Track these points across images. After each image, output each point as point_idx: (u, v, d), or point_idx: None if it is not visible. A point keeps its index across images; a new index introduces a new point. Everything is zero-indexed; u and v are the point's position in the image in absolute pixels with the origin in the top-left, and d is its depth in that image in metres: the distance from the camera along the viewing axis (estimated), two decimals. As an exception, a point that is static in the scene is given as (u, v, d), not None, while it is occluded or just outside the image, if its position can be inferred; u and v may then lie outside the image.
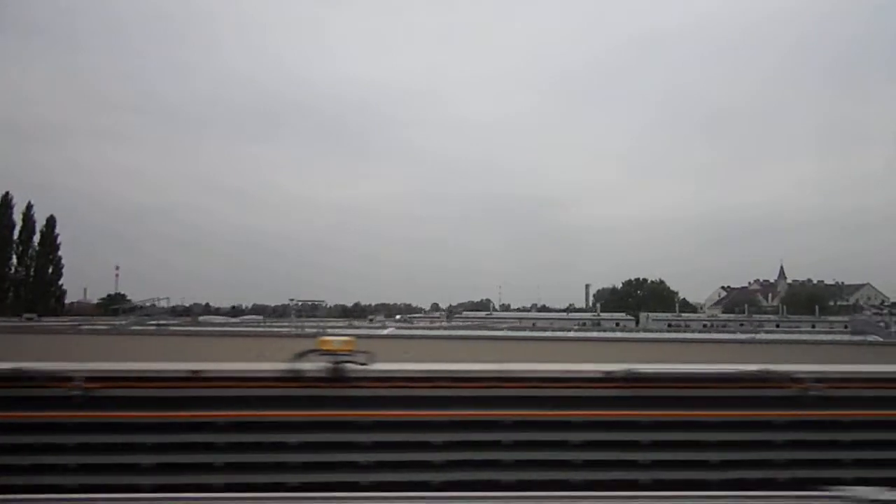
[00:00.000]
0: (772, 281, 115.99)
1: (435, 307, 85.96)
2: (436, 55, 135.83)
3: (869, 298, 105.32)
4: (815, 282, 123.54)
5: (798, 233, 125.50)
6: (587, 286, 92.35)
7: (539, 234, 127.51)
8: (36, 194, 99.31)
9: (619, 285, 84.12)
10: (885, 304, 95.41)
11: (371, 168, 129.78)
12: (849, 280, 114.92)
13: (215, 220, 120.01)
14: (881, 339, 25.16)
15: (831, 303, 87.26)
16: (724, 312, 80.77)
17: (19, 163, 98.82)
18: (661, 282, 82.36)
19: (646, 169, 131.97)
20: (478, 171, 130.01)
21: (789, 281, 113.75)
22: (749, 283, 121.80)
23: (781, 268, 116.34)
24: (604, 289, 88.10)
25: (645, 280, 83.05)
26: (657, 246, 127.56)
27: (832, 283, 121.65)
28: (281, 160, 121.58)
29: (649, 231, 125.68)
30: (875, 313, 49.02)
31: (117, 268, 79.50)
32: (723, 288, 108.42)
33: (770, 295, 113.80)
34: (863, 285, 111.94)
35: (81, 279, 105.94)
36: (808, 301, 75.52)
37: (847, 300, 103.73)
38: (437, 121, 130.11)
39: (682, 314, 68.13)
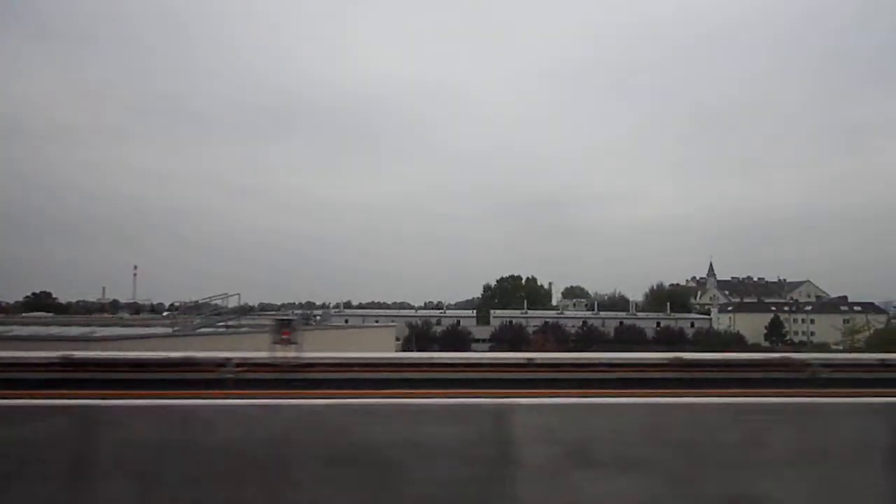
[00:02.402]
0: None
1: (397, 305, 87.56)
2: (454, 53, 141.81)
3: (809, 294, 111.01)
4: (755, 279, 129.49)
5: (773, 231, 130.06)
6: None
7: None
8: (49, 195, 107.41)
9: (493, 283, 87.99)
10: (823, 299, 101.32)
11: (392, 166, 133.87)
12: (791, 278, 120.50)
13: (232, 220, 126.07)
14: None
15: (693, 300, 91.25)
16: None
17: (34, 163, 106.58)
18: (534, 279, 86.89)
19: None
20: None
21: (720, 278, 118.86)
22: (686, 280, 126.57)
23: (710, 265, 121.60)
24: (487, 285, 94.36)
25: (518, 277, 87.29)
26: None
27: (775, 280, 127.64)
28: (299, 160, 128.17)
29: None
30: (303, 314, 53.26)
31: (135, 268, 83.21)
32: (655, 286, 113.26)
33: (699, 292, 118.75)
34: (803, 282, 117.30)
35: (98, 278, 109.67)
36: (667, 299, 79.97)
37: (784, 296, 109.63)
38: (460, 117, 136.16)
39: (529, 311, 71.88)
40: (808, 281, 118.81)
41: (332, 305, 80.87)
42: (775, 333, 79.75)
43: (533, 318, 70.32)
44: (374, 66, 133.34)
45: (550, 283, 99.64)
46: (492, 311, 73.51)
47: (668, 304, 77.98)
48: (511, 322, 69.62)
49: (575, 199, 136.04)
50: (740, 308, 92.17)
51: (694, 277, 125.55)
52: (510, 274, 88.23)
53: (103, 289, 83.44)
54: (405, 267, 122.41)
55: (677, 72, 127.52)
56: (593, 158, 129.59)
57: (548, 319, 70.22)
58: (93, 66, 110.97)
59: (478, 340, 64.91)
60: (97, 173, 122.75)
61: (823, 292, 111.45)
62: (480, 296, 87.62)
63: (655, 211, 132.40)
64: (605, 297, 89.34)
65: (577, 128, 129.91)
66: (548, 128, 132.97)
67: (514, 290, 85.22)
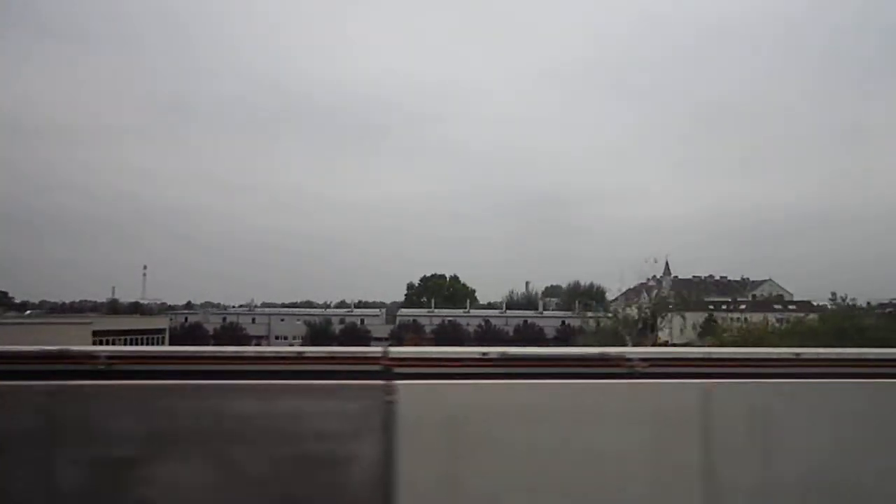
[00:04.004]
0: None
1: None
2: (454, 53, 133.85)
3: (772, 293, 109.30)
4: (717, 277, 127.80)
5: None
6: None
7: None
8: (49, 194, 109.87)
9: (417, 282, 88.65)
10: (785, 299, 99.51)
11: (395, 166, 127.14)
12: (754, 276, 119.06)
13: (234, 220, 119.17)
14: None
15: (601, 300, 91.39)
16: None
17: (33, 163, 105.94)
18: (456, 278, 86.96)
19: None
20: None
21: (674, 276, 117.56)
22: (647, 279, 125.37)
23: (667, 264, 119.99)
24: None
25: (442, 276, 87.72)
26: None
27: (738, 279, 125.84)
28: (302, 160, 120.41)
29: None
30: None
31: (145, 268, 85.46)
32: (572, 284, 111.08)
33: (655, 291, 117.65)
34: (765, 281, 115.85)
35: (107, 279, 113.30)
36: (581, 297, 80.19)
37: (746, 295, 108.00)
38: (464, 117, 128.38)
39: (435, 310, 72.86)
40: (770, 280, 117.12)
41: (254, 304, 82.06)
42: (708, 332, 78.90)
43: (441, 318, 70.91)
44: (374, 65, 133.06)
45: (528, 283, 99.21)
46: (400, 310, 74.17)
47: (577, 302, 77.51)
48: (415, 321, 70.01)
49: (575, 199, 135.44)
50: (676, 307, 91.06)
51: (654, 276, 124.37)
52: (433, 273, 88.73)
53: (113, 288, 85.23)
54: (380, 264, 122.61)
55: (677, 71, 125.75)
56: (593, 158, 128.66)
57: (457, 318, 70.50)
58: (92, 66, 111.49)
59: (377, 339, 64.82)
60: (97, 173, 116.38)
61: (785, 291, 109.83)
62: (405, 294, 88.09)
63: (655, 210, 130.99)
64: (519, 295, 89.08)
65: (578, 128, 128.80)
66: (548, 127, 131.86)
67: (437, 289, 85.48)
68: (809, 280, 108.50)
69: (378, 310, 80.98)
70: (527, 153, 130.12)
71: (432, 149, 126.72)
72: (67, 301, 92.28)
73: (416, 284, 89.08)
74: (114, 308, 77.96)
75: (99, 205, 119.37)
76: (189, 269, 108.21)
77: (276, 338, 71.88)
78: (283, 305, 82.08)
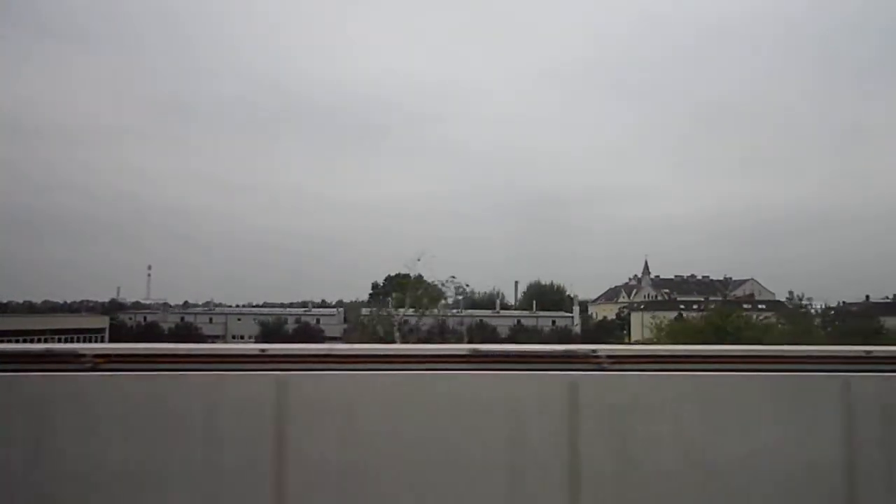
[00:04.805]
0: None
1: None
2: (454, 53, 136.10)
3: (758, 293, 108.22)
4: (699, 277, 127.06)
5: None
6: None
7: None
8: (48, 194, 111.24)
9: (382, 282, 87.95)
10: (766, 298, 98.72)
11: (395, 166, 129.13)
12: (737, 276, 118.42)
13: (234, 220, 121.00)
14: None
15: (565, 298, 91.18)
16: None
17: (35, 163, 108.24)
18: (420, 278, 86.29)
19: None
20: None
21: (656, 276, 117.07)
22: (629, 279, 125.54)
23: (646, 264, 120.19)
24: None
25: (407, 276, 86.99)
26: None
27: (720, 278, 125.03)
28: (302, 160, 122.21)
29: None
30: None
31: (149, 268, 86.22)
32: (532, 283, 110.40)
33: (634, 291, 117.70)
34: (746, 280, 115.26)
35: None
36: (538, 297, 79.96)
37: (728, 294, 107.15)
38: (464, 117, 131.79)
39: (393, 310, 72.46)
40: (752, 279, 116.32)
41: (213, 303, 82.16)
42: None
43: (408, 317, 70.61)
44: (374, 65, 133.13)
45: (517, 282, 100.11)
46: (362, 310, 73.76)
47: (534, 302, 77.18)
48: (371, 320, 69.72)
49: (575, 199, 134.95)
50: (648, 307, 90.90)
51: (635, 275, 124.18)
52: (397, 272, 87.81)
53: (118, 289, 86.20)
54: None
55: (677, 71, 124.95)
56: (593, 158, 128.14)
57: (411, 318, 70.17)
58: (92, 67, 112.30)
59: (330, 338, 64.75)
60: (97, 173, 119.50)
61: (766, 289, 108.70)
62: (369, 294, 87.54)
63: (655, 210, 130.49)
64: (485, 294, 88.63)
65: (578, 128, 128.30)
66: (548, 127, 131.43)
67: (400, 289, 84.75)
68: (810, 280, 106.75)
69: (335, 309, 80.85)
70: (527, 153, 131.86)
71: (432, 149, 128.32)
72: (69, 301, 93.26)
73: (381, 284, 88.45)
74: (118, 307, 78.68)
75: (99, 205, 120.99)
76: (189, 269, 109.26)
77: (234, 337, 72.15)
78: (239, 306, 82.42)
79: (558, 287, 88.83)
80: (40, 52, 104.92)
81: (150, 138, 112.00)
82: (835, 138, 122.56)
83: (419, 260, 32.44)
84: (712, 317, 42.38)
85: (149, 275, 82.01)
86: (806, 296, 75.26)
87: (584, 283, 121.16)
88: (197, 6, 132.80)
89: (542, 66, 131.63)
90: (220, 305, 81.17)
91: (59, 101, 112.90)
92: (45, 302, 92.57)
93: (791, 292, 72.38)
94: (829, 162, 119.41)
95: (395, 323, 66.97)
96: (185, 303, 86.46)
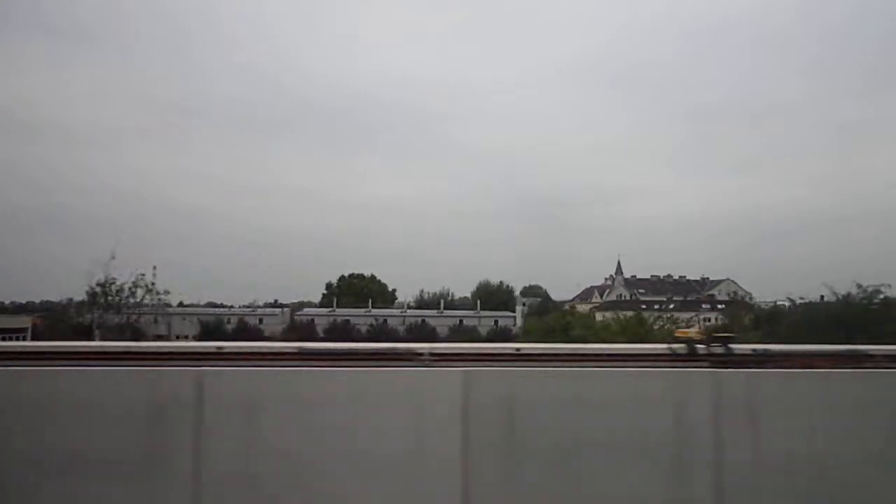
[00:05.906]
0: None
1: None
2: (455, 52, 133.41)
3: (734, 293, 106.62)
4: (676, 277, 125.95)
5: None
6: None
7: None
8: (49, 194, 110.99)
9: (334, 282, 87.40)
10: (745, 298, 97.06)
11: (395, 166, 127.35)
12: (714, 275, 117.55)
13: (234, 220, 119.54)
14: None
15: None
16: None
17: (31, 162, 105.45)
18: (373, 277, 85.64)
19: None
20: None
21: (632, 276, 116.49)
22: (605, 279, 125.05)
23: (619, 263, 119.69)
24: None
25: (361, 276, 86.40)
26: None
27: (697, 278, 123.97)
28: (302, 160, 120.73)
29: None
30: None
31: (154, 267, 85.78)
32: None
33: (607, 291, 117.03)
34: (723, 280, 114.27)
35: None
36: (484, 297, 79.42)
37: (704, 294, 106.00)
38: (465, 117, 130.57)
39: (337, 309, 72.73)
40: (728, 279, 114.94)
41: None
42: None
43: (337, 317, 70.19)
44: (374, 65, 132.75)
45: (510, 285, 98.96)
46: (304, 309, 73.62)
47: (478, 301, 76.29)
48: (312, 320, 69.22)
49: (575, 199, 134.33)
50: (610, 307, 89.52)
51: (611, 275, 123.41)
52: (351, 272, 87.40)
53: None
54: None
55: (677, 71, 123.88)
56: (593, 158, 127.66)
57: (355, 318, 69.71)
58: (92, 66, 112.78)
59: (265, 337, 64.39)
60: (97, 173, 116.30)
61: (742, 289, 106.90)
62: (322, 294, 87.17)
63: (655, 210, 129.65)
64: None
65: (578, 128, 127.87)
66: (548, 127, 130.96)
67: (354, 289, 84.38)
68: (809, 280, 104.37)
69: (280, 309, 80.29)
70: (527, 153, 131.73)
71: (432, 149, 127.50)
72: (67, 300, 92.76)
73: (335, 284, 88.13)
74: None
75: (99, 205, 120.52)
76: (189, 269, 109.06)
77: (177, 336, 71.71)
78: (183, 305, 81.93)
79: (507, 287, 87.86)
80: (40, 52, 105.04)
81: (150, 138, 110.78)
82: (834, 138, 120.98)
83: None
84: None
85: (154, 274, 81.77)
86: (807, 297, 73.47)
87: (584, 283, 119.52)
88: (197, 6, 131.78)
89: (543, 66, 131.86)
90: (169, 305, 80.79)
91: (58, 101, 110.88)
92: (45, 302, 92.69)
93: (734, 293, 70.83)
94: (829, 162, 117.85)
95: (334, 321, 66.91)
96: (181, 303, 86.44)
